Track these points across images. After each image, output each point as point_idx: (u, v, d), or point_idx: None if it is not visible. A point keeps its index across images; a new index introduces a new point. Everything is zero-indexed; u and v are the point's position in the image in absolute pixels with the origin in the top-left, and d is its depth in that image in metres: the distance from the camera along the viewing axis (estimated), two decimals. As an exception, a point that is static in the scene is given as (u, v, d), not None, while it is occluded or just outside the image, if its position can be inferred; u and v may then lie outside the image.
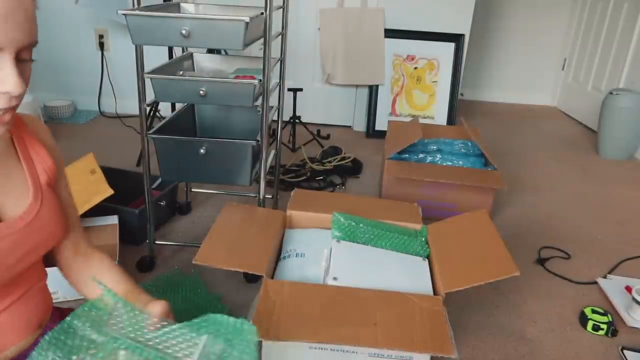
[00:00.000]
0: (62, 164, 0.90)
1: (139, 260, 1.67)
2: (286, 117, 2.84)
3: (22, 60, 0.66)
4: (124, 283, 0.88)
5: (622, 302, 1.62)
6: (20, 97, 0.67)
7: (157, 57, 1.91)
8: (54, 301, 0.91)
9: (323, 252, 1.39)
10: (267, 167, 1.66)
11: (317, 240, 1.48)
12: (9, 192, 0.78)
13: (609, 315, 1.52)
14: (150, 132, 1.55)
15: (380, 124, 3.13)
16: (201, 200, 2.16)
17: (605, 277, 1.78)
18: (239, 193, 2.18)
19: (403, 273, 1.33)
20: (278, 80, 1.88)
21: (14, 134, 0.80)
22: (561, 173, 2.75)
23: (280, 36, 1.81)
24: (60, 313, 0.93)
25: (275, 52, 1.59)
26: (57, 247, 0.88)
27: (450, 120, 3.13)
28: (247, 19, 1.31)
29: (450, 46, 3.07)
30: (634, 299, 1.55)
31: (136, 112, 1.78)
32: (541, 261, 1.86)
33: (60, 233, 0.84)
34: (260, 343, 1.12)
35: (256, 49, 1.62)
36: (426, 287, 1.29)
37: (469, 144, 2.23)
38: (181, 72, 1.72)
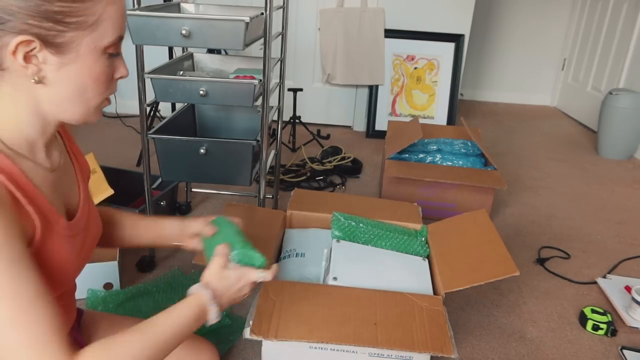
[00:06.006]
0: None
1: (139, 260, 1.68)
2: (286, 117, 2.84)
3: None
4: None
5: (622, 302, 1.62)
6: None
7: (157, 57, 1.91)
8: None
9: (323, 252, 1.39)
10: (267, 167, 1.66)
11: (317, 240, 1.48)
12: (69, 190, 0.79)
13: (608, 315, 1.52)
14: (151, 132, 1.55)
15: (380, 124, 3.13)
16: (201, 200, 2.16)
17: (604, 277, 1.78)
18: (239, 193, 2.18)
19: (403, 273, 1.33)
20: (278, 80, 1.88)
21: (61, 131, 0.83)
22: (561, 173, 2.75)
23: (280, 36, 1.81)
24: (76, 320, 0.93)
25: (275, 52, 1.59)
26: None
27: (450, 120, 3.13)
28: (247, 19, 1.31)
29: (450, 46, 3.08)
30: (633, 298, 1.55)
31: (136, 112, 1.78)
32: (541, 261, 1.86)
33: (101, 229, 0.87)
34: (260, 343, 1.13)
35: (256, 49, 1.62)
36: (426, 287, 1.30)
37: (469, 144, 2.23)
38: (181, 72, 1.72)
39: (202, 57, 1.87)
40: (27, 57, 0.64)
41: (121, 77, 0.73)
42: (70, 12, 0.63)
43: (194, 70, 1.85)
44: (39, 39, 0.63)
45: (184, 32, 1.33)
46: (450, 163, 2.18)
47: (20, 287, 0.61)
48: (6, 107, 0.68)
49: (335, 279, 1.26)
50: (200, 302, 0.79)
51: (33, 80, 0.65)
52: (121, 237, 0.99)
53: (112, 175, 1.81)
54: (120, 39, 0.70)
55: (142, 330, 0.72)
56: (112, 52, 0.70)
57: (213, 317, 0.81)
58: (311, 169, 2.48)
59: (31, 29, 0.62)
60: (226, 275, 0.85)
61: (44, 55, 0.64)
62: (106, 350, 0.67)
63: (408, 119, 3.07)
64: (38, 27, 0.62)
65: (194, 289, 0.82)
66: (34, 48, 0.63)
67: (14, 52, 0.62)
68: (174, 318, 0.76)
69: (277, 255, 1.48)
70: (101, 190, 1.71)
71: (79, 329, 0.94)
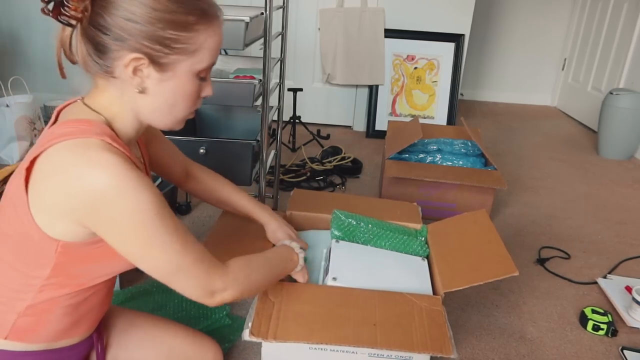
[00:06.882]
0: (155, 131, 1.08)
1: (138, 260, 1.67)
2: (286, 117, 2.84)
3: None
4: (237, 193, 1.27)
5: (622, 302, 1.62)
6: None
7: (157, 57, 1.90)
8: None
9: (322, 252, 1.39)
10: (267, 167, 1.66)
11: (316, 240, 1.48)
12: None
13: (609, 316, 1.52)
14: (150, 132, 1.55)
15: (380, 124, 3.13)
16: (200, 201, 2.16)
17: (605, 277, 1.78)
18: (239, 193, 2.18)
19: (403, 273, 1.33)
20: (278, 80, 1.88)
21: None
22: (561, 173, 2.75)
23: (280, 36, 1.81)
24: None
25: (275, 52, 1.59)
26: (172, 174, 1.16)
27: (450, 120, 3.13)
28: (247, 19, 1.31)
29: (450, 46, 3.07)
30: (634, 299, 1.54)
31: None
32: (541, 261, 1.86)
33: None
34: (260, 344, 1.12)
35: (256, 49, 1.62)
36: (426, 287, 1.29)
37: (469, 144, 2.23)
38: (181, 72, 1.71)
39: (202, 57, 1.87)
40: (135, 70, 0.77)
41: (206, 96, 0.86)
42: (178, 39, 0.76)
43: (193, 70, 1.85)
44: (148, 57, 0.76)
45: (183, 32, 1.32)
46: (450, 163, 2.18)
47: (178, 227, 0.80)
48: (115, 109, 0.82)
49: (334, 279, 1.26)
50: (290, 249, 1.16)
51: (136, 90, 0.79)
52: (212, 195, 1.25)
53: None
54: (212, 65, 0.83)
55: (264, 256, 1.04)
56: (203, 76, 0.83)
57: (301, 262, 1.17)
58: (311, 169, 2.48)
59: (144, 49, 0.75)
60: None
61: (149, 71, 0.77)
62: (245, 263, 0.95)
63: (408, 119, 3.07)
64: (149, 48, 0.75)
65: (286, 242, 1.19)
66: (143, 64, 0.76)
67: (127, 65, 0.76)
68: (280, 254, 1.12)
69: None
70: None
71: None
